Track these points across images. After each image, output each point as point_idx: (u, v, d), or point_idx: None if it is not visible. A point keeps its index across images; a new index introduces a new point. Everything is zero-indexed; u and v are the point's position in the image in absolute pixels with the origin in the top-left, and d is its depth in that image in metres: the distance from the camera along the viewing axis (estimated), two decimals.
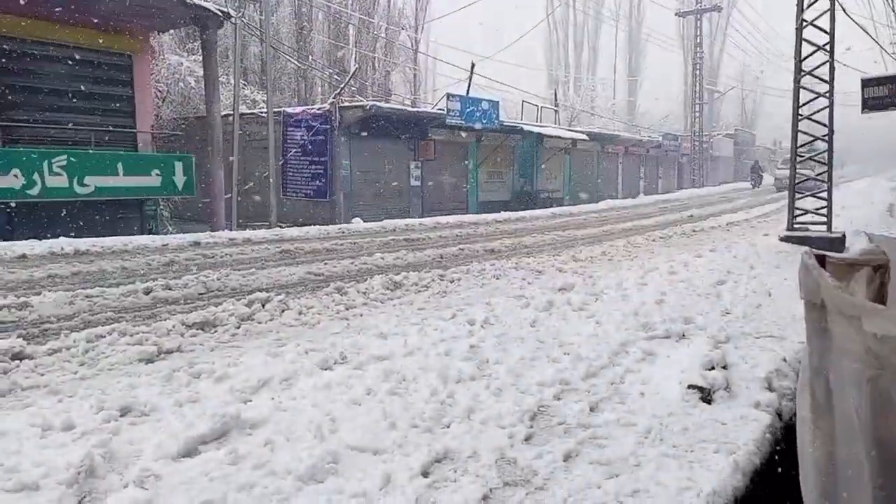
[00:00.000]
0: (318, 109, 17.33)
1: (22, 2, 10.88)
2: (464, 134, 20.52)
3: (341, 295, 5.96)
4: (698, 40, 39.14)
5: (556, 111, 31.91)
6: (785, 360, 3.89)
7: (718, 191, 34.83)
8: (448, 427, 2.89)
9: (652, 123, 45.50)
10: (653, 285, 6.17)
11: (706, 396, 3.26)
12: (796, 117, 9.35)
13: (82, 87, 12.71)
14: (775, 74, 48.05)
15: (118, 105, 13.38)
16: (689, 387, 3.34)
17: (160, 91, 18.81)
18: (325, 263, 8.13)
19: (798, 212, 9.54)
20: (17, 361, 3.81)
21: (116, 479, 2.31)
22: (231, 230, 13.25)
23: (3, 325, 4.81)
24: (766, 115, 66.67)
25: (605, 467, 2.54)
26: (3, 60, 11.70)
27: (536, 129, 23.30)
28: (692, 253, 8.68)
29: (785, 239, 9.22)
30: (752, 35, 67.09)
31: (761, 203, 23.89)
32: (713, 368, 3.59)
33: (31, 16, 11.56)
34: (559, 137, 24.36)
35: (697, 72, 39.29)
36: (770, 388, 3.46)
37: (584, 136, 25.95)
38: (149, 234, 12.36)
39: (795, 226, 9.52)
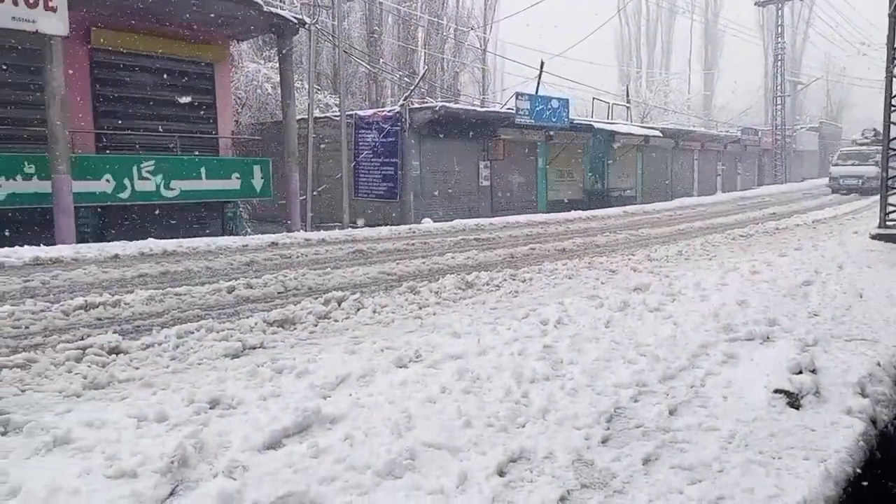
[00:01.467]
0: (389, 111, 17.59)
1: (117, 16, 11.54)
2: (533, 133, 20.37)
3: (414, 294, 6.03)
4: (780, 30, 37.44)
5: (627, 108, 31.24)
6: (879, 364, 3.68)
7: (802, 187, 33.22)
8: (523, 427, 2.88)
9: (730, 118, 43.89)
10: (733, 285, 5.95)
11: (794, 401, 3.12)
12: (888, 108, 8.81)
13: (168, 95, 13.39)
14: (864, 64, 45.34)
15: (201, 112, 14.02)
16: (776, 391, 3.21)
17: (239, 98, 19.57)
18: (398, 263, 8.24)
19: (891, 208, 8.99)
20: (114, 356, 4.05)
21: (207, 468, 2.42)
22: (306, 231, 13.64)
23: (99, 321, 5.12)
24: (854, 107, 63.15)
25: (687, 472, 2.47)
26: (98, 71, 12.46)
27: (607, 127, 22.90)
28: (775, 252, 8.32)
29: (877, 237, 8.70)
30: (837, 23, 63.72)
31: (850, 199, 22.64)
32: (801, 372, 3.44)
33: (125, 29, 12.26)
34: (631, 134, 23.83)
35: (779, 63, 37.62)
36: (863, 394, 3.28)
37: (658, 133, 25.31)
38: (229, 234, 12.88)
39: (888, 223, 8.97)
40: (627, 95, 33.67)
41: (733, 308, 5.01)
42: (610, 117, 27.13)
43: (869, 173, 24.86)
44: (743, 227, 13.21)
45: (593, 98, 28.36)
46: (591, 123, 22.41)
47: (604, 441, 2.77)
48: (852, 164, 26.35)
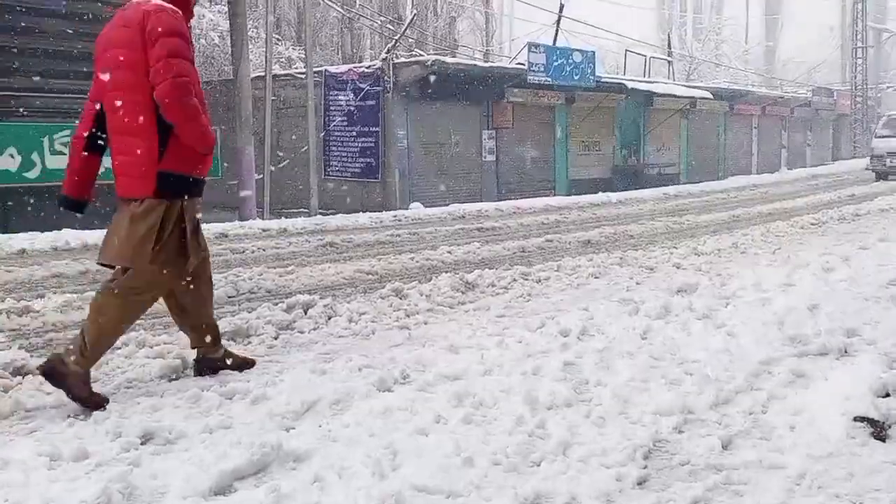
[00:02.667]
0: (368, 68, 17.56)
1: None
2: (551, 94, 20.37)
3: (400, 298, 6.03)
4: None
5: (669, 62, 31.30)
6: None
7: None
8: (538, 465, 2.88)
9: (798, 75, 44.00)
10: (803, 286, 5.97)
11: (879, 432, 3.13)
12: None
13: (88, 48, 13.28)
14: None
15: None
16: (856, 419, 3.22)
17: None
18: (380, 259, 8.26)
19: None
20: (20, 377, 4.03)
21: None
22: (263, 218, 13.64)
23: (1, 333, 5.10)
24: None
25: None
26: (2, 14, 12.35)
27: (644, 87, 22.92)
28: (855, 244, 8.35)
29: None
30: None
31: None
32: (888, 395, 3.45)
33: None
34: (674, 96, 23.86)
35: (860, 6, 37.66)
36: None
37: (707, 94, 25.35)
38: None
39: None
40: (669, 47, 33.72)
41: (802, 314, 5.02)
42: (647, 75, 27.18)
43: None
44: (814, 212, 13.26)
45: (626, 50, 28.42)
46: (624, 82, 22.43)
47: (640, 483, 2.77)
48: None
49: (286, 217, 13.89)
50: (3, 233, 10.29)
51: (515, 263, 7.83)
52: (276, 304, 5.67)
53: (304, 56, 16.80)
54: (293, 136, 17.72)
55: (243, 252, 9.00)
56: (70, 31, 13.03)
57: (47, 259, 8.16)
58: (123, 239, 3.60)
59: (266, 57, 15.61)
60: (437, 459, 2.86)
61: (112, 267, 3.77)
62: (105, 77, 3.70)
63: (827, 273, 6.55)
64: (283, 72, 19.73)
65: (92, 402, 3.47)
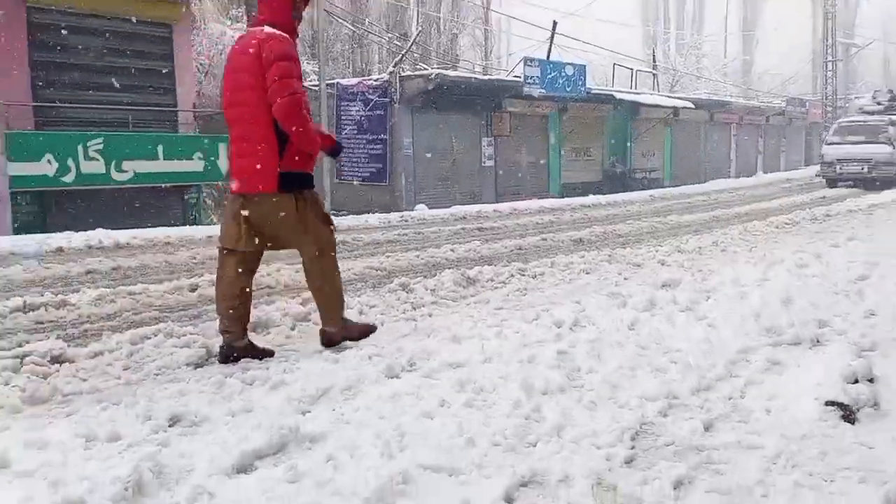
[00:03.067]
0: (376, 80, 17.54)
1: None
2: (545, 105, 20.34)
3: (406, 292, 6.03)
4: None
5: (654, 75, 31.23)
6: None
7: None
8: (534, 446, 2.88)
9: (773, 87, 43.86)
10: (777, 281, 5.96)
11: (848, 415, 3.13)
12: None
13: (119, 62, 13.31)
14: None
15: (157, 81, 13.96)
16: (827, 403, 3.21)
17: (202, 65, 19.48)
18: (387, 256, 8.25)
19: None
20: (58, 365, 4.04)
21: (166, 496, 2.42)
22: None
23: (40, 325, 5.11)
24: None
25: (726, 497, 2.47)
26: (36, 35, 12.37)
27: (631, 98, 22.89)
28: (826, 242, 8.33)
29: None
30: None
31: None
32: (856, 381, 3.44)
33: None
34: (658, 106, 23.83)
35: (830, 23, 37.58)
36: None
37: (689, 104, 25.31)
38: (191, 224, 12.88)
39: None
40: (654, 61, 33.65)
41: (777, 307, 5.01)
42: (634, 86, 27.12)
43: (879, 155, 20.15)
44: (788, 213, 13.24)
45: (614, 64, 28.34)
46: (612, 93, 22.40)
47: (628, 462, 2.77)
48: (855, 143, 20.90)
49: None
50: (42, 232, 10.30)
51: (513, 260, 7.82)
52: (293, 297, 5.68)
53: (318, 70, 16.76)
54: None
55: None
56: (102, 49, 13.05)
57: (82, 256, 8.17)
58: (292, 230, 4.11)
59: None
60: (442, 440, 2.86)
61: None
62: (231, 95, 4.08)
63: (800, 269, 6.54)
64: None
65: (364, 331, 4.41)
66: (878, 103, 22.84)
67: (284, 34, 3.98)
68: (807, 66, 50.98)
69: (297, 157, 4.03)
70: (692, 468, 2.69)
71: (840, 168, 20.64)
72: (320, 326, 4.43)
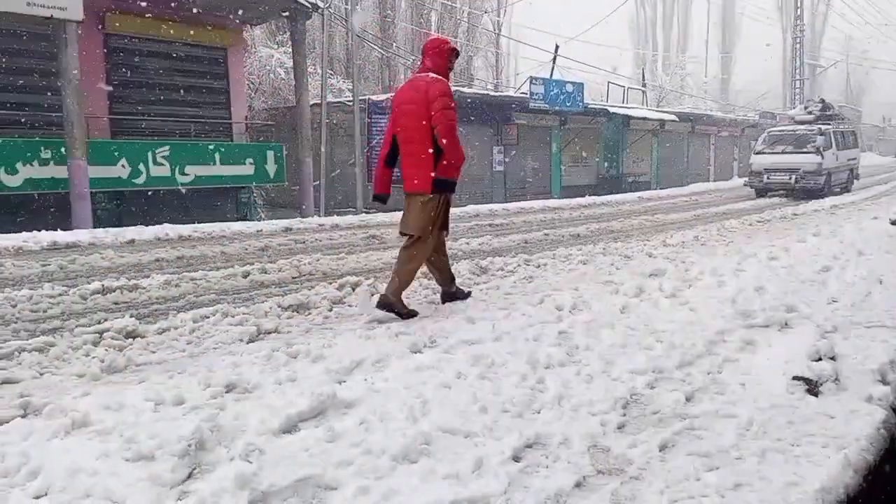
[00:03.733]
0: None
1: (131, 0, 11.55)
2: (548, 118, 20.22)
3: (428, 280, 6.01)
4: (799, 12, 36.81)
5: (643, 92, 30.91)
6: None
7: None
8: (538, 413, 2.87)
9: (748, 102, 43.32)
10: (751, 271, 5.89)
11: (813, 389, 3.09)
12: None
13: (182, 81, 13.40)
14: (885, 45, 44.51)
15: (214, 97, 14.05)
16: (794, 378, 3.17)
17: (252, 83, 19.56)
18: None
19: None
20: (131, 339, 4.09)
21: (223, 452, 2.44)
22: (320, 216, 13.68)
23: (116, 305, 5.17)
24: (875, 90, 62.12)
25: (705, 459, 2.45)
26: (114, 56, 12.49)
27: (623, 111, 22.68)
28: (794, 238, 8.22)
29: None
30: (858, 4, 62.33)
31: (868, 185, 22.33)
32: (820, 359, 3.40)
33: (138, 13, 12.27)
34: (647, 119, 23.60)
35: (798, 46, 37.00)
36: (884, 381, 3.23)
37: (674, 117, 25.03)
38: (243, 220, 12.94)
39: None
40: (643, 79, 33.31)
41: (751, 294, 4.95)
42: (625, 101, 26.88)
43: (808, 165, 17.28)
44: (760, 212, 13.08)
45: (608, 82, 28.10)
46: (606, 108, 22.21)
47: (620, 427, 2.75)
48: (783, 152, 18.12)
49: (338, 215, 13.91)
50: (117, 226, 10.41)
51: (519, 252, 7.78)
52: (331, 283, 5.69)
53: (352, 87, 16.76)
54: (344, 151, 17.73)
55: (304, 242, 9.03)
56: (167, 69, 13.14)
57: (151, 247, 8.24)
58: (417, 218, 4.66)
59: (322, 88, 15.61)
60: (458, 407, 2.86)
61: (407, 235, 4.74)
62: (403, 120, 4.71)
63: (771, 261, 6.46)
64: (335, 100, 19.70)
65: (410, 314, 4.63)
66: (810, 112, 19.68)
67: (443, 78, 4.68)
68: (777, 85, 50.32)
69: (446, 168, 4.61)
70: (675, 433, 2.67)
71: (768, 177, 17.97)
72: (354, 308, 4.48)
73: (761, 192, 18.27)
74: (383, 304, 4.58)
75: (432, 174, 4.60)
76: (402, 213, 4.79)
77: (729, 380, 3.27)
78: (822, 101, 20.62)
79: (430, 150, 4.61)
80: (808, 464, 2.43)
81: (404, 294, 4.76)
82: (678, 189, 23.06)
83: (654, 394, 3.12)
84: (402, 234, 4.79)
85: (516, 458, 2.47)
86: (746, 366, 3.46)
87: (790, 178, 17.32)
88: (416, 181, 4.67)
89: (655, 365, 3.45)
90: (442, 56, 4.71)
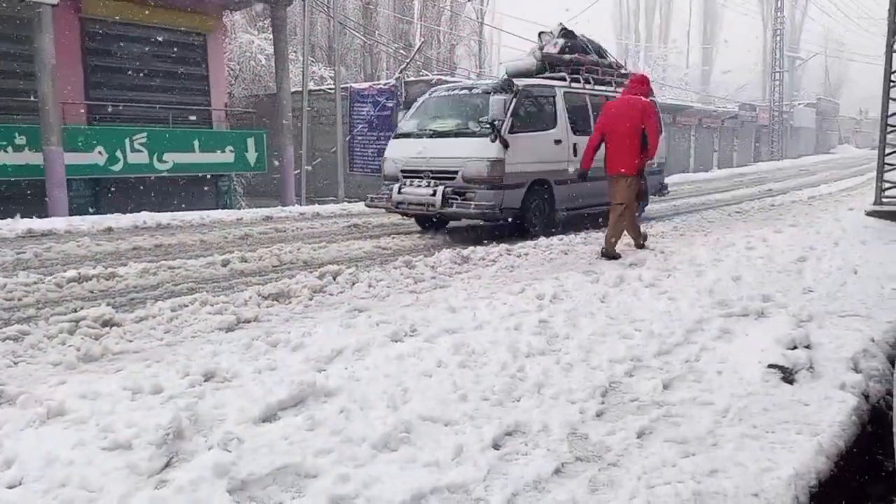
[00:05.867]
0: (384, 85, 17.41)
1: None
2: None
3: (409, 269, 6.02)
4: (779, 4, 37.08)
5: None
6: (873, 340, 3.70)
7: (798, 163, 33.22)
8: (518, 401, 2.89)
9: (728, 93, 43.65)
10: (729, 261, 5.96)
11: (788, 376, 3.14)
12: (888, 83, 8.75)
13: (160, 66, 13.20)
14: (863, 39, 45.06)
15: (193, 84, 13.85)
16: (770, 366, 3.22)
17: (232, 69, 19.31)
18: (393, 238, 8.22)
19: (887, 185, 8.98)
20: (108, 328, 4.04)
21: (202, 440, 2.42)
22: (301, 205, 13.58)
23: (92, 293, 5.10)
24: (852, 83, 62.91)
25: (681, 446, 2.49)
26: (91, 42, 12.26)
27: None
28: (771, 228, 8.32)
29: (872, 213, 8.70)
30: None
31: (845, 176, 22.65)
32: (795, 348, 3.45)
33: None
34: None
35: (778, 38, 37.33)
36: (856, 370, 3.30)
37: None
38: (223, 208, 12.82)
39: (884, 199, 8.97)
40: (625, 69, 33.40)
41: (728, 284, 5.02)
42: None
43: (470, 164, 7.95)
44: (739, 203, 13.21)
45: None
46: None
47: (598, 415, 2.78)
48: (436, 135, 8.50)
49: (319, 203, 13.82)
50: (94, 214, 10.25)
51: (501, 242, 7.79)
52: (311, 272, 5.66)
53: (333, 75, 16.62)
54: (325, 139, 17.61)
55: (285, 231, 8.97)
56: (146, 54, 12.93)
57: (129, 235, 8.13)
58: (624, 192, 6.66)
59: (303, 75, 15.46)
60: (439, 395, 2.87)
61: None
62: (617, 124, 6.62)
63: (748, 251, 6.54)
64: (316, 88, 19.53)
65: (617, 256, 6.57)
66: (541, 48, 10.13)
67: (650, 98, 7.03)
68: (757, 76, 50.78)
69: (644, 157, 6.66)
70: (653, 420, 2.71)
71: (401, 190, 8.48)
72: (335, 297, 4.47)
73: (392, 209, 8.79)
74: (605, 255, 6.57)
75: (636, 162, 6.59)
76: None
77: (706, 368, 3.31)
78: (565, 28, 10.46)
79: (637, 147, 6.55)
80: (783, 450, 2.47)
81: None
82: None
83: (633, 382, 3.15)
84: (612, 204, 6.77)
85: (496, 446, 2.48)
86: (723, 354, 3.50)
87: (431, 194, 8.13)
88: (622, 167, 6.59)
89: (634, 353, 3.48)
90: (645, 85, 6.86)
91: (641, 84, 6.84)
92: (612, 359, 3.40)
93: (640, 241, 7.13)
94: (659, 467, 2.33)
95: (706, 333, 3.86)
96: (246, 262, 6.34)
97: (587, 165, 6.91)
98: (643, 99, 6.67)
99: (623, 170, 6.57)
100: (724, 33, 56.79)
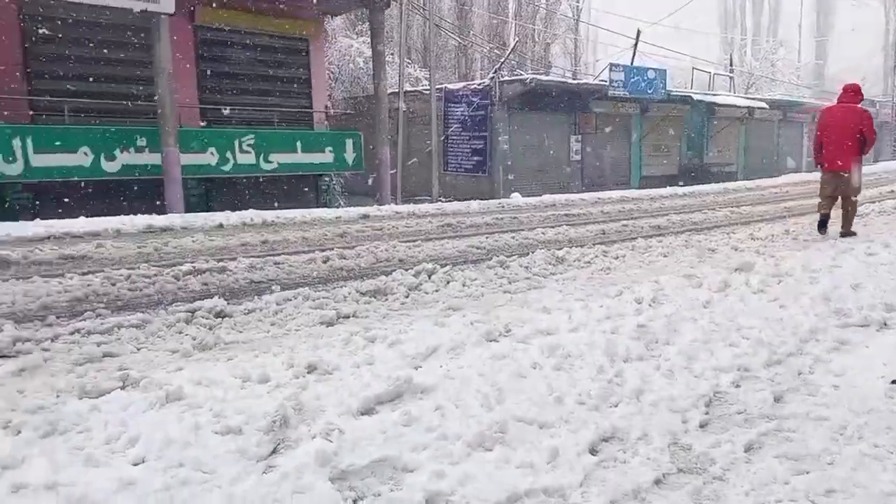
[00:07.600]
0: (478, 85, 17.46)
1: None
2: (627, 105, 19.69)
3: (503, 268, 6.00)
4: None
5: (730, 78, 29.59)
6: None
7: None
8: (616, 406, 2.82)
9: None
10: (847, 267, 5.56)
11: None
12: None
13: (266, 71, 13.83)
14: None
15: (296, 86, 14.42)
16: (894, 381, 2.98)
17: (332, 72, 19.96)
18: (487, 237, 8.23)
19: None
20: (220, 319, 4.28)
21: (305, 429, 2.52)
22: (396, 204, 13.84)
23: (206, 286, 5.41)
24: None
25: (793, 462, 2.34)
26: (203, 48, 13.02)
27: (707, 98, 21.80)
28: (894, 233, 7.69)
29: None
30: None
31: None
32: None
33: (227, 6, 12.71)
34: (733, 106, 22.60)
35: None
36: None
37: (763, 105, 23.85)
38: (323, 206, 13.27)
39: None
40: (731, 64, 31.87)
41: (846, 291, 4.68)
42: (711, 88, 25.80)
43: None
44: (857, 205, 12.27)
45: (693, 68, 27.02)
46: (690, 95, 21.39)
47: (702, 426, 2.67)
48: None
49: (414, 203, 14.05)
50: (206, 211, 10.89)
51: (597, 243, 7.63)
52: (407, 270, 5.75)
53: (428, 76, 16.82)
54: (420, 139, 17.88)
55: (381, 229, 9.17)
56: (253, 60, 13.59)
57: (238, 232, 8.57)
58: (853, 185, 7.83)
59: (399, 77, 15.75)
60: (533, 397, 2.84)
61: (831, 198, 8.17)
62: (837, 128, 7.77)
63: (868, 257, 6.08)
64: (412, 89, 19.85)
65: (853, 234, 7.94)
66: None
67: (865, 108, 7.87)
68: (878, 69, 47.07)
69: (862, 154, 7.79)
70: (762, 434, 2.57)
71: None
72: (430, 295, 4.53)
73: None
74: (844, 234, 7.84)
75: (854, 158, 7.76)
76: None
77: (821, 381, 3.11)
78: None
79: (857, 147, 7.72)
80: None
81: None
82: (768, 180, 21.97)
83: (740, 392, 3.01)
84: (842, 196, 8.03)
85: (593, 451, 2.44)
86: (840, 367, 3.28)
87: None
88: (842, 164, 7.78)
89: (741, 363, 3.32)
90: (859, 94, 7.92)
91: (856, 94, 7.92)
92: (716, 367, 3.25)
93: (849, 229, 8.08)
94: (769, 483, 2.21)
95: (821, 344, 3.63)
96: (345, 258, 6.54)
97: (818, 160, 8.19)
98: (862, 108, 7.92)
99: (842, 165, 7.77)
100: (839, 25, 53.11)
